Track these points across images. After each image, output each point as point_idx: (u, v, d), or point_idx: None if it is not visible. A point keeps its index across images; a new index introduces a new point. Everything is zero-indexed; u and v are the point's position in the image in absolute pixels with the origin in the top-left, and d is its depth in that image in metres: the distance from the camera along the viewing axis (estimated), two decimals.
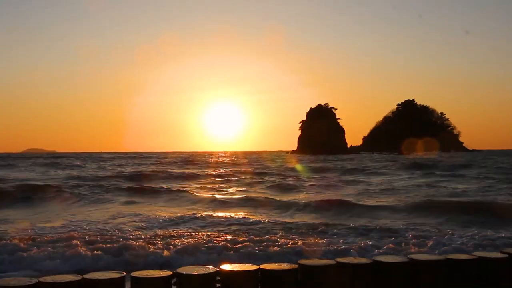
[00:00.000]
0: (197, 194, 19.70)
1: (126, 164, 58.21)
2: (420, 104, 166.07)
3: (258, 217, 12.52)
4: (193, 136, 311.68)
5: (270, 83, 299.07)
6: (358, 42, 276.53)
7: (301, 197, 18.48)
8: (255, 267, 2.24)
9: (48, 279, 2.02)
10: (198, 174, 33.73)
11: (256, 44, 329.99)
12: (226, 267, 2.22)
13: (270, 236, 9.40)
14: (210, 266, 2.25)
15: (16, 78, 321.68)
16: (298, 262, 2.31)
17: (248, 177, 30.83)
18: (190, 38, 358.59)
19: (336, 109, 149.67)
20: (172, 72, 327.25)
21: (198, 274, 2.12)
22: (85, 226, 10.94)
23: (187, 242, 8.72)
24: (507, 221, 11.60)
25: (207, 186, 24.96)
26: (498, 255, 2.54)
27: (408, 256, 2.48)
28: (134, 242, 8.56)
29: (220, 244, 8.56)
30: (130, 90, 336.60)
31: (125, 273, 2.12)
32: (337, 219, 12.20)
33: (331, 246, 8.49)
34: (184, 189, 21.95)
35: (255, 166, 47.48)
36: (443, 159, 62.90)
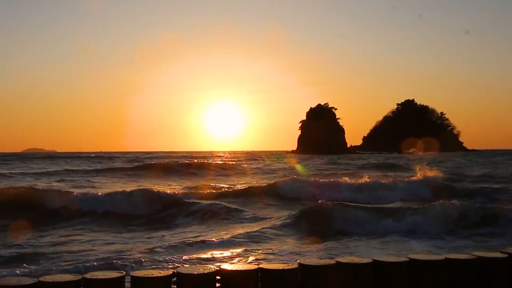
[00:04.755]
0: None
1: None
2: (420, 104, 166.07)
3: None
4: (193, 136, 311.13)
5: (270, 83, 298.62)
6: (358, 42, 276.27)
7: None
8: (254, 266, 2.24)
9: (48, 278, 2.02)
10: None
11: (256, 44, 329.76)
12: (226, 266, 2.22)
13: None
14: (210, 266, 2.25)
15: (16, 78, 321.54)
16: (298, 262, 2.31)
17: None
18: (190, 38, 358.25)
19: (336, 109, 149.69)
20: (172, 72, 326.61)
21: (198, 274, 2.12)
22: None
23: None
24: None
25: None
26: (498, 255, 2.55)
27: (408, 256, 2.48)
28: None
29: None
30: (130, 90, 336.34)
31: (124, 273, 2.12)
32: None
33: None
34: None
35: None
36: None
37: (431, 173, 20.46)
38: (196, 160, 45.58)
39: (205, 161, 46.44)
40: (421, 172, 20.35)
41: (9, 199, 14.46)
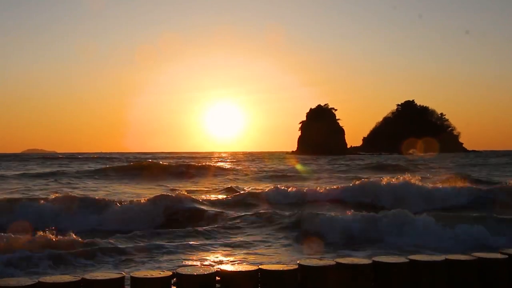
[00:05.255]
0: None
1: None
2: (420, 105, 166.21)
3: None
4: (193, 136, 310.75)
5: (270, 83, 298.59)
6: (358, 42, 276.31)
7: None
8: (254, 267, 2.24)
9: (48, 279, 2.02)
10: None
11: (256, 44, 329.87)
12: (225, 267, 2.22)
13: None
14: (210, 267, 2.25)
15: (16, 78, 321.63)
16: (298, 262, 2.31)
17: None
18: (190, 38, 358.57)
19: (336, 110, 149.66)
20: (172, 72, 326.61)
21: (197, 275, 2.12)
22: None
23: None
24: None
25: None
26: (498, 255, 2.54)
27: (408, 256, 2.48)
28: None
29: None
30: (130, 90, 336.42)
31: (124, 273, 2.12)
32: None
33: None
34: None
35: None
36: None
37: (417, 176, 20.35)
38: (193, 162, 45.63)
39: (204, 162, 46.60)
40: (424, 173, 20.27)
41: None
